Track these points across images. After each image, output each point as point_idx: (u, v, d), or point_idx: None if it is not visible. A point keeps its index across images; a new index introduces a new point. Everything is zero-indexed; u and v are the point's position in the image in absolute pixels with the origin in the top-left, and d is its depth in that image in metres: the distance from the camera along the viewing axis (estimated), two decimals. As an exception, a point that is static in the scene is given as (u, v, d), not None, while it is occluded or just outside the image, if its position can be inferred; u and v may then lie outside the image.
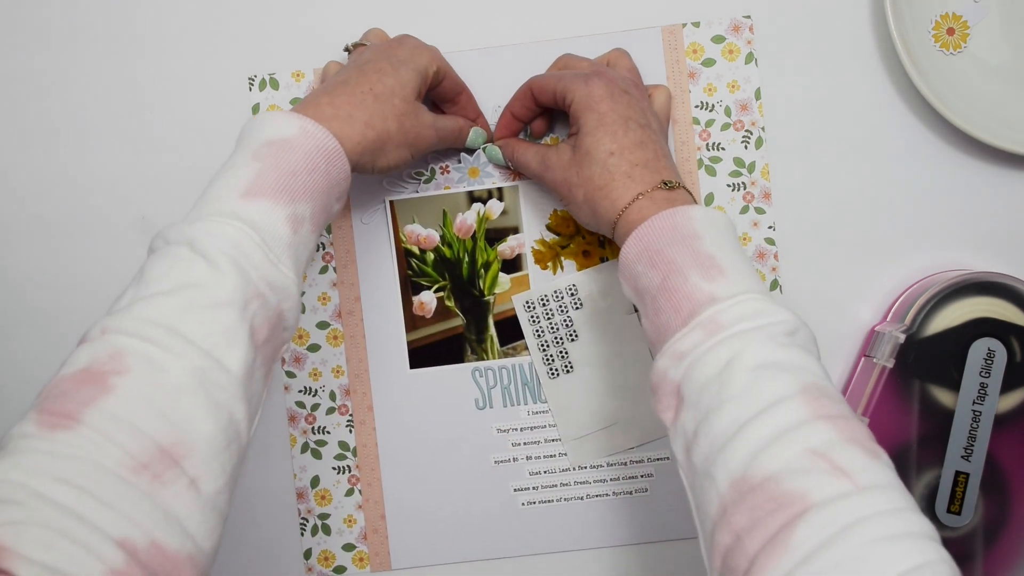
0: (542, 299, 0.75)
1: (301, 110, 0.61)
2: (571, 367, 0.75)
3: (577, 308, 0.75)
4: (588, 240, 0.75)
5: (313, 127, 0.59)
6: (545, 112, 0.73)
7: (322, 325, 0.75)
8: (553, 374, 0.75)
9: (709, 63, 0.75)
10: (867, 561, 0.44)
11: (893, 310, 0.73)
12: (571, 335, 0.75)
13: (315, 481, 0.76)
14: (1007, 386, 0.68)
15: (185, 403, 0.50)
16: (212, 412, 0.51)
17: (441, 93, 0.71)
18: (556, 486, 0.75)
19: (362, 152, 0.62)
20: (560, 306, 0.75)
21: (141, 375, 0.50)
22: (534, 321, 0.75)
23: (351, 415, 0.76)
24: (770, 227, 0.75)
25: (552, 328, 0.75)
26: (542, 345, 0.75)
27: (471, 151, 0.75)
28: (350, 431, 0.76)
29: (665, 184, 0.62)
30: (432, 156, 0.75)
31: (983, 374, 0.68)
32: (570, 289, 0.75)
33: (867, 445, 0.49)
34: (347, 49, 0.71)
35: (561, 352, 0.75)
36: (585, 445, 0.75)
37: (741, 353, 0.52)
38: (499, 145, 0.74)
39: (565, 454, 0.75)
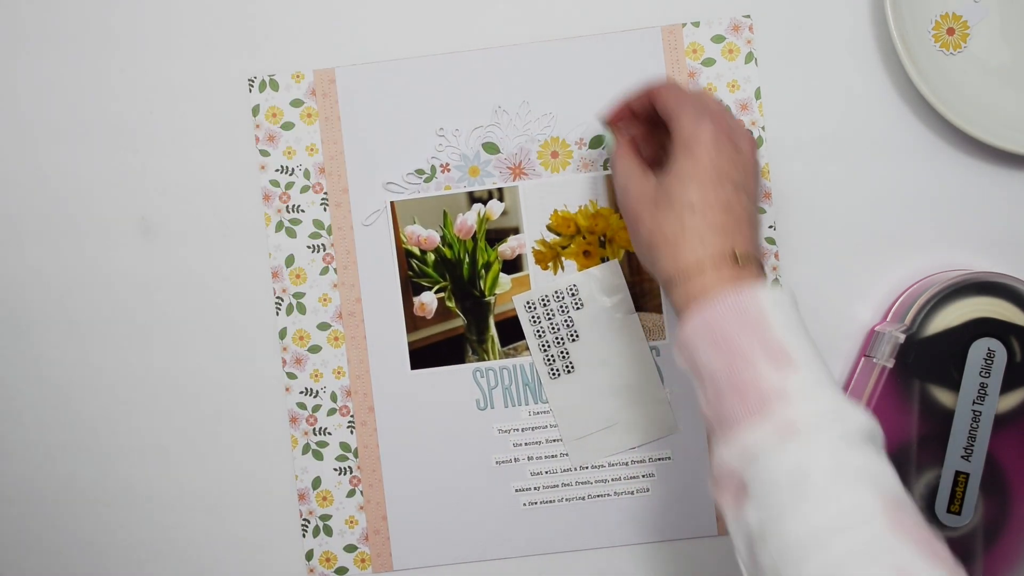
0: (543, 299, 0.75)
1: None
2: (572, 367, 0.75)
3: (578, 308, 0.75)
4: (589, 240, 0.75)
5: None
6: (658, 127, 0.68)
7: (323, 326, 0.76)
8: (554, 374, 0.75)
9: (709, 63, 0.75)
10: None
11: (893, 310, 0.73)
12: (572, 335, 0.75)
13: (316, 482, 0.76)
14: (1007, 386, 0.68)
15: None
16: None
17: None
18: (558, 486, 0.75)
19: None
20: (561, 306, 0.75)
21: None
22: (535, 321, 0.75)
23: (352, 416, 0.76)
24: (770, 227, 0.75)
25: (553, 328, 0.75)
26: (543, 345, 0.75)
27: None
28: (351, 432, 0.76)
29: (735, 257, 0.58)
30: (432, 155, 0.75)
31: (983, 374, 0.68)
32: (571, 289, 0.75)
33: (949, 562, 0.48)
34: None
35: (562, 352, 0.75)
36: (586, 445, 0.75)
37: (817, 457, 0.51)
38: (617, 138, 0.69)
39: (567, 454, 0.75)
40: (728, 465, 0.54)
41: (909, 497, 0.51)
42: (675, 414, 0.75)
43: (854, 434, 0.52)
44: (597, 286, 0.75)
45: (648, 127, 0.69)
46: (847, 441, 0.52)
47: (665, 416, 0.75)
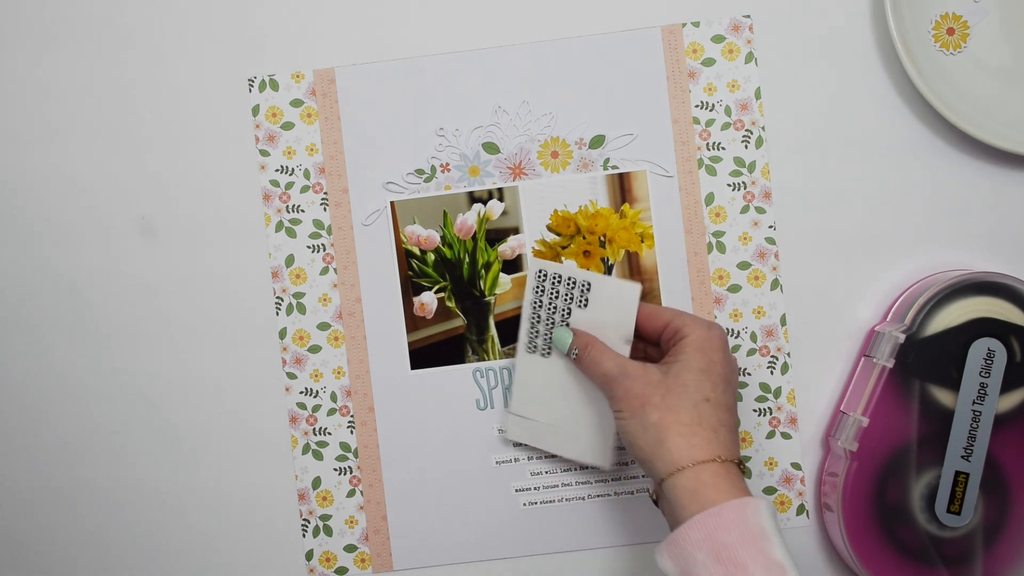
0: (556, 277, 0.71)
1: None
2: (548, 352, 0.72)
3: (581, 306, 0.72)
4: (588, 240, 0.75)
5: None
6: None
7: (323, 326, 0.76)
8: (531, 348, 0.73)
9: (709, 63, 0.75)
10: None
11: (893, 310, 0.73)
12: (564, 325, 0.72)
13: (316, 482, 0.76)
14: (1007, 386, 0.68)
15: None
16: None
17: None
18: (557, 486, 0.75)
19: None
20: (568, 294, 0.72)
21: None
22: (538, 291, 0.72)
23: (352, 416, 0.76)
24: (770, 227, 0.75)
25: (551, 309, 0.72)
26: (534, 318, 0.72)
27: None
28: (351, 432, 0.76)
29: (741, 463, 0.62)
30: (432, 155, 0.75)
31: (983, 374, 0.68)
32: (584, 284, 0.71)
33: None
34: None
35: (547, 336, 0.72)
36: (524, 427, 0.74)
37: None
38: (574, 331, 0.70)
39: (502, 428, 0.75)
40: None
41: None
42: (612, 455, 0.72)
43: None
44: (607, 299, 0.71)
45: None
46: None
47: (604, 450, 0.72)
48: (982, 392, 0.68)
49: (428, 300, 0.75)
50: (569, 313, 0.71)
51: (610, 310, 0.70)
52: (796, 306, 0.75)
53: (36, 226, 0.76)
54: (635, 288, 0.69)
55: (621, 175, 0.75)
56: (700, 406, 0.62)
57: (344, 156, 0.75)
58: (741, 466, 0.62)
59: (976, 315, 0.69)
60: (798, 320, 0.75)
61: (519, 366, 0.73)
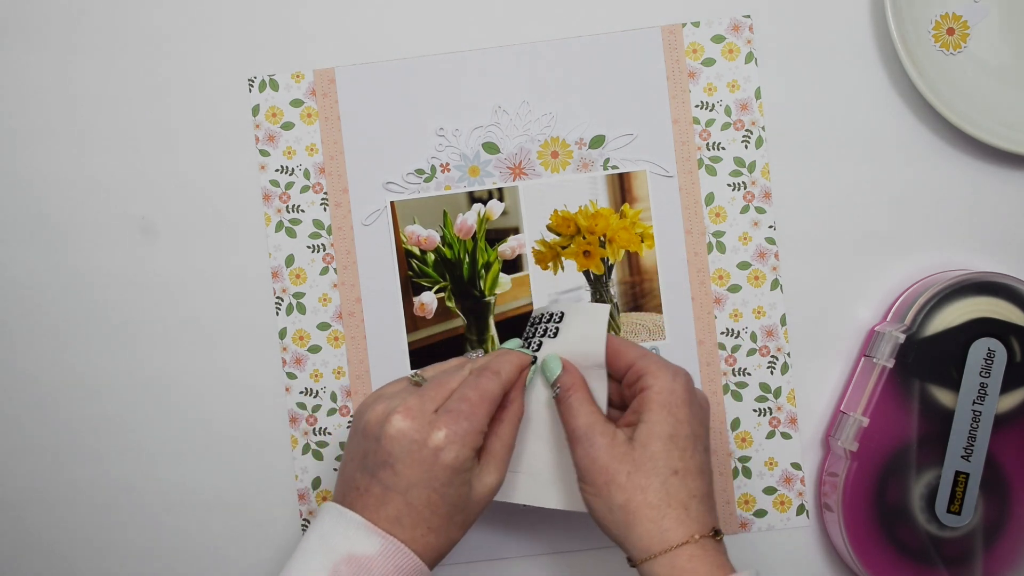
0: (535, 318, 0.69)
1: (379, 518, 0.59)
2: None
3: (552, 336, 0.67)
4: (588, 240, 0.75)
5: (394, 549, 0.58)
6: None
7: (323, 326, 0.76)
8: None
9: (709, 63, 0.75)
10: None
11: (893, 310, 0.73)
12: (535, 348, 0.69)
13: (316, 482, 0.76)
14: (1007, 386, 0.68)
15: None
16: None
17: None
18: (557, 486, 0.75)
19: (439, 548, 0.61)
20: (544, 328, 0.68)
21: None
22: (526, 335, 0.70)
23: (352, 417, 0.76)
24: (770, 226, 0.75)
25: (526, 346, 0.68)
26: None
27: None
28: (351, 432, 0.76)
29: (715, 534, 0.59)
30: (432, 155, 0.75)
31: (983, 374, 0.68)
32: (557, 315, 0.68)
33: None
34: (416, 382, 0.64)
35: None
36: (514, 482, 0.68)
37: None
38: (565, 366, 0.65)
39: None
40: None
41: None
42: None
43: None
44: (580, 323, 0.67)
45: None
46: None
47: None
48: (982, 392, 0.68)
49: (428, 300, 0.75)
50: (540, 346, 0.67)
51: (580, 336, 0.66)
52: (796, 306, 0.75)
53: (36, 226, 0.76)
54: (603, 309, 0.66)
55: (621, 175, 0.75)
56: (669, 482, 0.59)
57: (344, 156, 0.75)
58: (718, 535, 0.59)
59: (976, 315, 0.69)
60: (798, 320, 0.75)
61: None
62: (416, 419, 0.59)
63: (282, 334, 0.76)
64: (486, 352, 0.69)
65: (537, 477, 0.67)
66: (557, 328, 0.67)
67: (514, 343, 0.68)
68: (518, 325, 0.75)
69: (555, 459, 0.67)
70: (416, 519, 0.59)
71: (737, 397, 0.75)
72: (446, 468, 0.59)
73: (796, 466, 0.75)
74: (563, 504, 0.66)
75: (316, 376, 0.76)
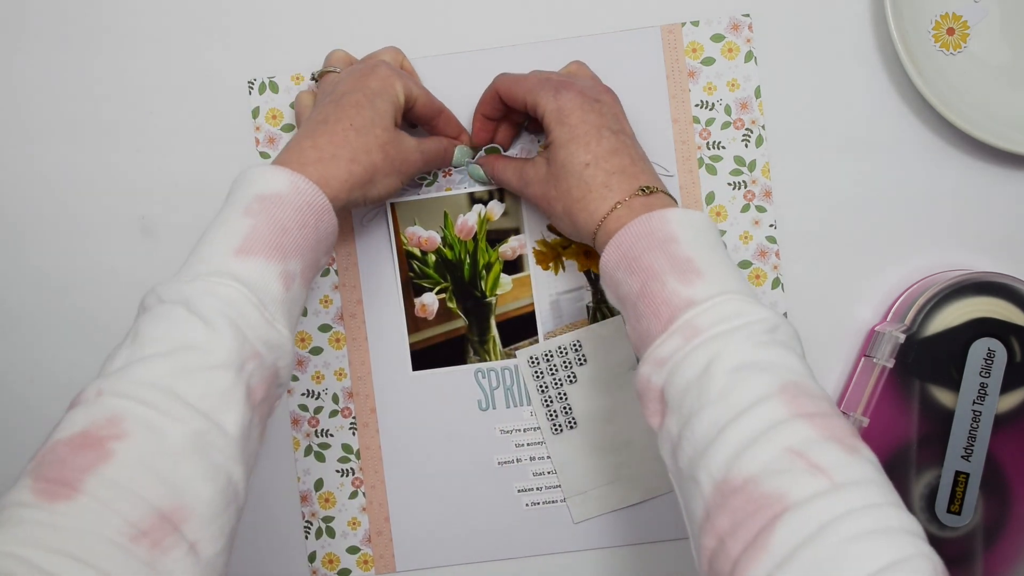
0: (547, 354, 0.75)
1: (287, 160, 0.61)
2: (574, 423, 0.75)
3: (581, 364, 0.75)
4: (589, 240, 0.75)
5: (303, 183, 0.59)
6: (511, 117, 0.73)
7: (324, 328, 0.76)
8: (556, 429, 0.75)
9: (709, 62, 0.75)
10: (844, 560, 0.44)
11: (893, 310, 0.74)
12: (575, 390, 0.75)
13: (319, 484, 0.76)
14: (1007, 386, 0.69)
15: (184, 467, 0.50)
16: (211, 475, 0.51)
17: (417, 117, 0.71)
18: (559, 487, 0.76)
19: (351, 188, 0.62)
20: (564, 361, 0.75)
21: (140, 440, 0.49)
22: (538, 376, 0.75)
23: (354, 418, 0.76)
24: (771, 225, 0.75)
25: (556, 383, 0.75)
26: (546, 400, 0.75)
27: (458, 167, 0.75)
28: (353, 434, 0.76)
29: (643, 190, 0.62)
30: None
31: (983, 374, 0.68)
32: (575, 345, 0.75)
33: (847, 441, 0.49)
34: (314, 78, 0.69)
35: (565, 408, 0.75)
36: (588, 501, 0.75)
37: (720, 355, 0.52)
38: (480, 163, 0.74)
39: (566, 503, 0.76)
40: (648, 382, 0.56)
41: (814, 383, 0.52)
42: None
43: (757, 332, 0.53)
44: (601, 341, 0.75)
45: (501, 127, 0.74)
46: (751, 338, 0.53)
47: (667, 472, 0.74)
48: (982, 392, 0.68)
49: (429, 301, 0.76)
50: (575, 377, 0.74)
51: (606, 352, 0.72)
52: (796, 305, 0.75)
53: (36, 226, 0.76)
54: (615, 321, 0.70)
55: (621, 175, 0.75)
56: (583, 175, 0.63)
57: (344, 157, 0.75)
58: (645, 191, 0.62)
59: (976, 315, 0.69)
60: (798, 320, 0.75)
61: (553, 452, 0.75)
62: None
63: (283, 336, 0.76)
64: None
65: (618, 484, 0.75)
66: (584, 355, 0.75)
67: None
68: (519, 325, 0.75)
69: (626, 461, 0.74)
70: (336, 146, 0.62)
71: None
72: (379, 78, 0.66)
73: (796, 465, 0.75)
74: (652, 492, 0.75)
75: (318, 378, 0.76)
